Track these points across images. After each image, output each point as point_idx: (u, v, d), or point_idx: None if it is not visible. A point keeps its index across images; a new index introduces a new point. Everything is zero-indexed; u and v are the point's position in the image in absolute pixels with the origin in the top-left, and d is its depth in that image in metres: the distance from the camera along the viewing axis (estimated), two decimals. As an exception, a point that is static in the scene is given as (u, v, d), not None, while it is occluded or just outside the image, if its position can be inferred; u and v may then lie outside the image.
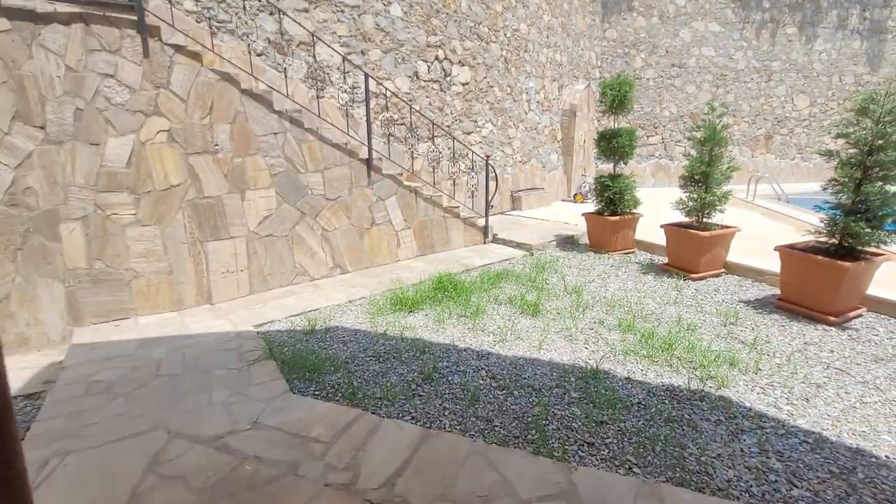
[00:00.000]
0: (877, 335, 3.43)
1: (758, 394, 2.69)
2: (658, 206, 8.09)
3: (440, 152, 7.23)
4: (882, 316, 3.76)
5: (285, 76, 4.80)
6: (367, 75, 5.13)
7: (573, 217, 7.75)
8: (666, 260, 5.27)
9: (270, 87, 4.55)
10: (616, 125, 5.85)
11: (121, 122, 3.73)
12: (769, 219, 7.53)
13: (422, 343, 3.42)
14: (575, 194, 10.35)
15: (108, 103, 3.66)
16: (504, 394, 2.74)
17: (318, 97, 4.95)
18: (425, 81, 7.17)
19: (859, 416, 2.47)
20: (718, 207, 4.74)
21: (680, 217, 5.13)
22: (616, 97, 5.49)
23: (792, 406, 2.57)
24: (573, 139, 10.70)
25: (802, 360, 3.09)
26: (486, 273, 5.02)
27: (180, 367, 3.05)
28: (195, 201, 4.11)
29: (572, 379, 2.89)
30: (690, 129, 13.00)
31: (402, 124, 6.82)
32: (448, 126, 7.60)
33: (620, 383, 2.83)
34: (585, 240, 6.36)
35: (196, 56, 4.00)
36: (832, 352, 3.19)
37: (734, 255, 4.93)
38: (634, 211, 5.88)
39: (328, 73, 6.08)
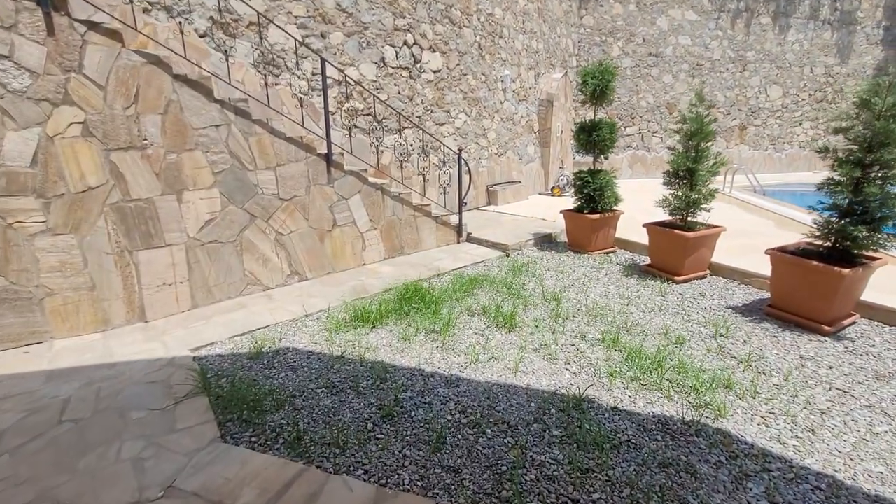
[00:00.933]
0: (874, 346, 3.21)
1: (759, 425, 2.40)
2: (636, 199, 7.85)
3: (410, 145, 6.77)
4: (875, 323, 3.55)
5: (227, 60, 4.22)
6: (323, 60, 4.60)
7: (551, 212, 7.42)
8: (648, 261, 4.99)
9: (210, 73, 3.99)
10: (596, 116, 5.50)
11: (21, 113, 3.13)
12: (749, 213, 7.38)
13: (383, 368, 3.01)
14: (552, 187, 10.04)
15: (3, 90, 3.06)
16: (475, 433, 2.36)
17: (266, 83, 4.41)
18: (393, 68, 6.66)
19: (873, 452, 2.19)
20: (704, 206, 4.46)
21: (661, 213, 4.83)
22: (598, 86, 5.13)
23: (798, 440, 2.28)
24: (550, 130, 10.36)
25: (801, 379, 2.82)
26: (458, 278, 4.63)
27: (91, 408, 2.55)
28: (121, 205, 3.55)
29: (553, 410, 2.54)
30: (676, 121, 12.87)
31: (367, 115, 6.32)
32: (419, 117, 7.13)
33: (607, 415, 2.49)
34: (564, 238, 6.04)
35: (115, 35, 3.41)
36: (831, 368, 2.94)
37: (718, 255, 4.67)
38: (615, 208, 5.58)
39: (283, 58, 5.51)
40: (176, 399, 2.63)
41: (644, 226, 4.83)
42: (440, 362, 3.08)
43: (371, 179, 5.18)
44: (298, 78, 5.60)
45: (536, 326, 3.60)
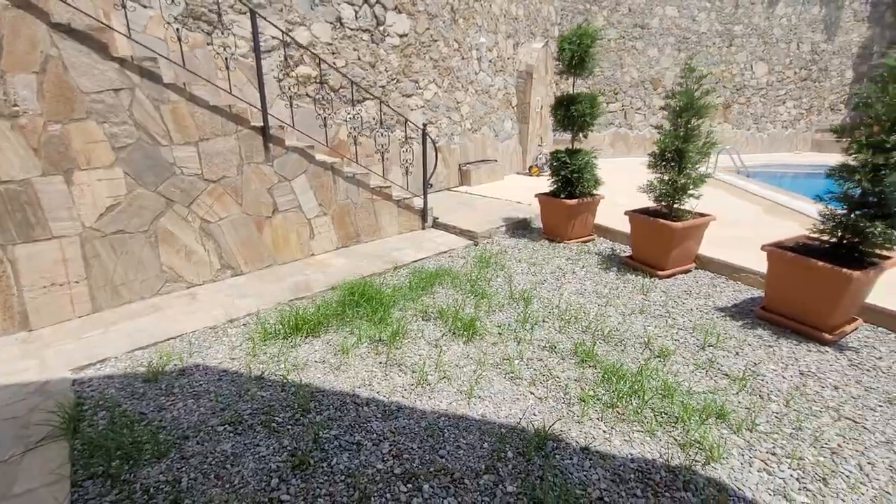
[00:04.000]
0: (881, 359, 2.81)
1: (759, 472, 1.95)
2: (618, 180, 7.35)
3: (374, 119, 6.06)
4: (879, 329, 3.15)
5: (125, 7, 3.44)
6: (254, 13, 3.86)
7: (528, 194, 6.87)
8: (629, 252, 4.52)
9: (105, 25, 3.23)
10: (574, 89, 4.91)
11: None
12: (736, 197, 6.97)
13: (310, 393, 2.46)
14: (530, 167, 9.48)
15: None
16: (409, 490, 1.85)
17: (179, 40, 3.65)
18: (352, 30, 5.89)
19: (899, 512, 1.77)
20: (693, 192, 3.97)
21: (644, 198, 4.32)
22: (575, 53, 4.52)
23: (807, 495, 1.84)
24: (529, 105, 9.70)
25: (805, 404, 2.39)
26: (417, 273, 4.07)
27: None
28: (-15, 188, 2.85)
29: (509, 454, 2.04)
30: (663, 96, 12.35)
31: (323, 83, 5.58)
32: (382, 87, 6.40)
33: (576, 459, 2.01)
34: (540, 223, 5.52)
35: (-40, -33, 2.64)
36: (836, 389, 2.52)
37: (704, 245, 4.22)
38: (595, 192, 5.06)
39: (218, 13, 4.71)
40: (27, 445, 2.03)
41: (626, 213, 4.33)
42: (381, 385, 2.55)
43: (319, 157, 4.51)
44: (237, 38, 4.81)
45: (500, 334, 3.09)
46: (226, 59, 3.97)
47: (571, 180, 4.86)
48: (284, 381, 2.56)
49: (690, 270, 4.19)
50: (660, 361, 2.77)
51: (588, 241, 5.14)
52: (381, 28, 6.23)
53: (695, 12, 12.51)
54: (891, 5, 14.07)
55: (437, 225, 5.62)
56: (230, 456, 2.01)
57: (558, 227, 5.02)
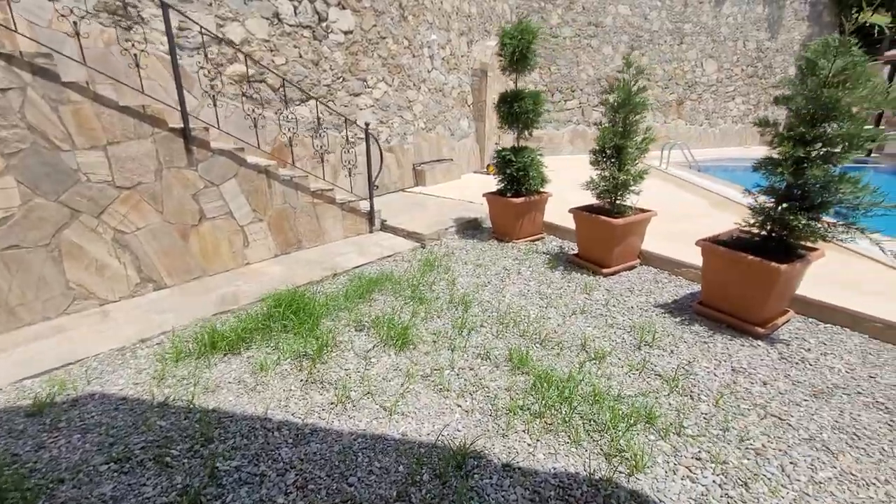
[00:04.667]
0: (809, 350, 2.82)
1: (683, 479, 1.88)
2: (573, 178, 7.34)
3: (317, 120, 5.82)
4: (810, 320, 3.19)
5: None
6: (165, 5, 3.57)
7: (482, 193, 6.78)
8: (577, 250, 4.47)
9: (-14, 16, 2.90)
10: (517, 85, 4.82)
11: None
12: (685, 191, 7.09)
13: (216, 419, 2.25)
14: (488, 165, 9.40)
15: None
16: (309, 526, 1.68)
17: (77, 34, 3.33)
18: (291, 27, 5.63)
19: (817, 515, 1.73)
20: (633, 188, 3.94)
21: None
22: (517, 49, 4.43)
23: (728, 502, 1.77)
24: (485, 103, 9.63)
25: (733, 402, 2.35)
26: (357, 279, 3.89)
27: None
28: None
29: (426, 476, 1.90)
30: (602, 91, 12.52)
31: (261, 82, 5.31)
32: (328, 86, 6.16)
33: (495, 478, 1.89)
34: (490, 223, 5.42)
35: None
36: (765, 384, 2.50)
37: (649, 241, 4.21)
38: (543, 190, 5.00)
39: (137, 8, 4.39)
40: None
41: (570, 211, 4.27)
42: (297, 405, 2.36)
43: (252, 160, 4.26)
44: (159, 33, 4.49)
45: (434, 342, 2.95)
46: (135, 55, 3.65)
47: (518, 178, 4.78)
48: (190, 406, 2.34)
49: (635, 267, 4.18)
50: (595, 364, 2.69)
51: (537, 239, 5.08)
52: (324, 24, 5.99)
53: (646, 10, 12.76)
54: (827, 5, 14.79)
55: (385, 227, 5.44)
56: (108, 500, 1.78)
57: (506, 226, 4.94)
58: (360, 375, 2.60)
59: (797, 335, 3.00)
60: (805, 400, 2.37)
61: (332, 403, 2.37)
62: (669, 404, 2.34)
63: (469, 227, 5.48)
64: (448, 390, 2.47)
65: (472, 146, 9.74)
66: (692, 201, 6.35)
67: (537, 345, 2.91)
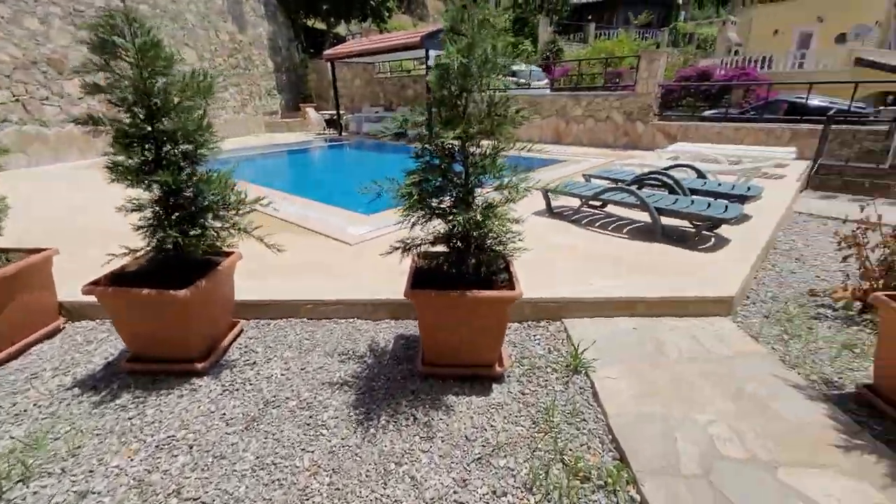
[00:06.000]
0: (255, 364, 2.58)
1: None
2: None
3: None
4: (262, 322, 3.04)
5: None
6: None
7: None
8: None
9: None
10: None
11: None
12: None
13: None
14: None
15: None
16: None
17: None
18: None
19: None
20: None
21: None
22: None
23: None
24: None
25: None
26: None
27: None
28: None
29: None
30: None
31: None
32: None
33: None
34: None
35: None
36: (192, 446, 2.00)
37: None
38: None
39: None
40: None
41: None
42: None
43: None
44: None
45: None
46: None
47: None
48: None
49: (57, 333, 2.92)
50: None
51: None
52: None
53: (76, -20, 10.28)
54: (277, 6, 16.93)
55: None
56: None
57: None
58: None
59: (248, 349, 2.75)
60: (238, 438, 2.03)
61: None
62: None
63: None
64: None
65: None
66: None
67: None
